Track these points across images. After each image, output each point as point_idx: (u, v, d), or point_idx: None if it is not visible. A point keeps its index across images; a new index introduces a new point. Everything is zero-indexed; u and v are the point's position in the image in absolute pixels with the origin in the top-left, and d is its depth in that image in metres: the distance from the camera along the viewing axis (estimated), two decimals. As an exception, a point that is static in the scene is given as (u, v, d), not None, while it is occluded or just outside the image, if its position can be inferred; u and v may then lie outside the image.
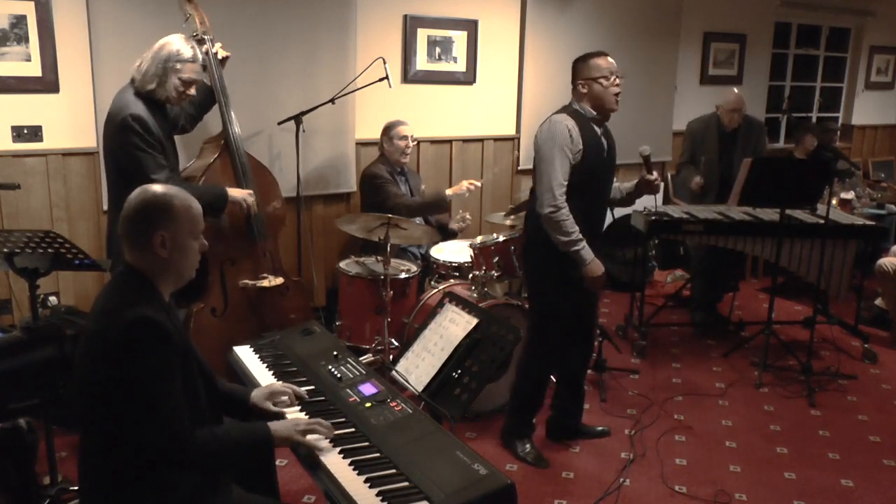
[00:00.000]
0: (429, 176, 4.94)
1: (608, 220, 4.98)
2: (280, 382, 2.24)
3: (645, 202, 4.73)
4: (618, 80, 3.03)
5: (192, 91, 3.15)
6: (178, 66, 3.03)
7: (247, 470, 2.14)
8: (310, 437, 1.90)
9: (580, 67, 3.07)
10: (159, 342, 1.74)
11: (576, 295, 3.12)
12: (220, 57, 3.47)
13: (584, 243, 3.01)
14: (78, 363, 1.85)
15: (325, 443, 1.91)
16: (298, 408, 2.13)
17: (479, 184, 4.36)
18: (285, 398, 2.14)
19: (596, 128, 3.06)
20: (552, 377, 3.46)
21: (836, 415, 3.80)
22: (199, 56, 3.14)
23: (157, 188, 1.88)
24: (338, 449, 1.88)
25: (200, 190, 3.22)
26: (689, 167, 4.96)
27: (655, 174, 3.15)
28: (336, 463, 1.82)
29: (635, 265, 4.85)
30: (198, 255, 1.93)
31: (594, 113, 3.05)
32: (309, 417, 2.03)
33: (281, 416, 2.08)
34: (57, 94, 3.68)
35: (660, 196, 5.94)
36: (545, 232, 3.03)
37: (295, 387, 2.18)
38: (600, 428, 3.50)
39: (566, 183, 2.98)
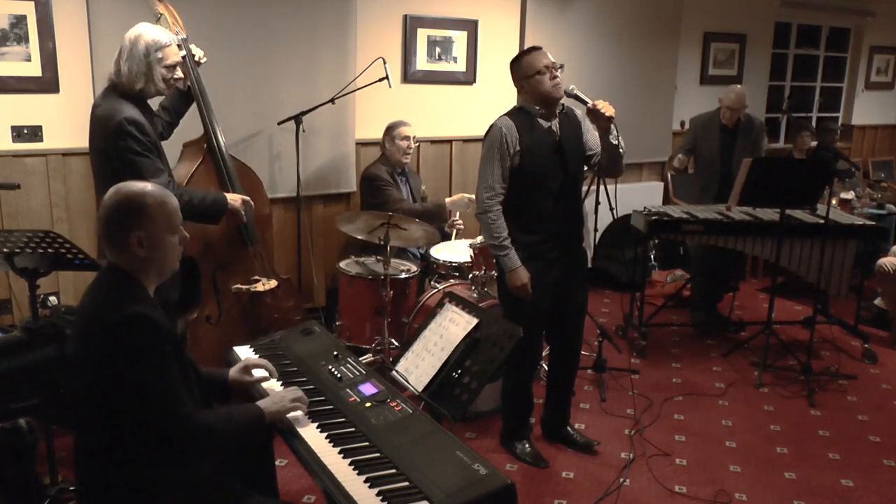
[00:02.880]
0: (428, 176, 4.94)
1: (608, 219, 5.07)
2: (255, 356, 2.33)
3: (644, 202, 4.75)
4: (555, 73, 2.96)
5: (179, 73, 3.03)
6: (160, 54, 2.91)
7: (247, 468, 2.15)
8: (295, 403, 2.03)
9: (515, 69, 3.05)
10: (154, 335, 1.76)
11: (535, 301, 3.07)
12: (196, 59, 3.37)
13: (509, 250, 3.01)
14: (73, 364, 1.86)
15: (302, 415, 2.04)
16: (280, 383, 2.26)
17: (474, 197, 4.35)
18: (261, 369, 2.21)
19: (544, 122, 3.03)
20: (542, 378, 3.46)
21: (836, 415, 3.80)
22: (174, 36, 3.04)
23: (131, 187, 1.87)
24: (338, 449, 1.88)
25: (201, 194, 3.13)
26: (682, 153, 5.00)
27: (592, 101, 2.89)
28: (336, 463, 1.82)
29: (635, 265, 4.84)
30: (178, 248, 1.94)
31: (537, 108, 3.02)
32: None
33: (259, 384, 2.22)
34: (57, 94, 3.68)
35: (660, 196, 5.99)
36: None
37: (265, 361, 2.27)
38: (583, 441, 3.36)
39: (498, 186, 3.00)
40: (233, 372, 2.21)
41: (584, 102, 2.94)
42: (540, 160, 3.00)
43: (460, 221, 4.47)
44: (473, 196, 4.24)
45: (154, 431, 1.76)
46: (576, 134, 3.10)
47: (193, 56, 3.36)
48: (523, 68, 3.01)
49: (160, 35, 2.94)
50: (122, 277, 1.85)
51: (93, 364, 1.76)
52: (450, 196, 4.53)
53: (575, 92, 2.99)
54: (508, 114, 3.07)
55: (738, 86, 4.84)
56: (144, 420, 1.75)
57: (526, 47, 3.11)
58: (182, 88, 3.35)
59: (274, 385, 2.25)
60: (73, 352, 1.87)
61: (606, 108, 2.87)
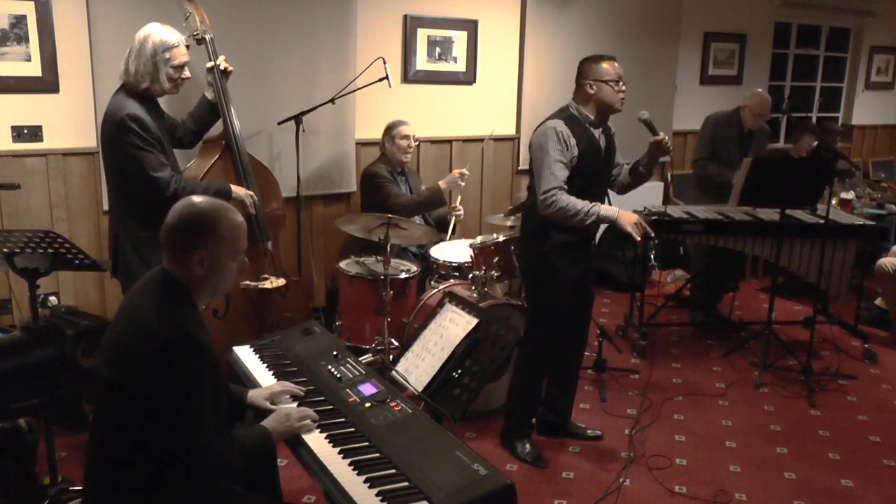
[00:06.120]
0: (428, 176, 4.94)
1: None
2: (279, 383, 2.24)
3: (644, 202, 4.75)
4: (623, 86, 3.05)
5: (187, 73, 3.09)
6: (167, 55, 2.99)
7: (250, 470, 2.14)
8: (303, 423, 1.97)
9: (591, 68, 3.05)
10: (196, 359, 1.74)
11: (570, 293, 3.13)
12: (222, 68, 3.43)
13: (597, 207, 2.97)
14: (106, 365, 1.82)
15: (315, 430, 1.98)
16: (296, 405, 2.15)
17: (467, 172, 4.30)
18: (286, 398, 2.15)
19: (593, 130, 3.07)
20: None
21: (836, 415, 3.80)
22: (183, 37, 3.08)
23: (205, 204, 1.86)
24: (338, 449, 1.88)
25: (204, 185, 3.23)
26: (714, 163, 4.78)
27: (662, 134, 3.09)
28: (336, 463, 1.82)
29: (635, 265, 4.84)
30: (235, 273, 1.92)
31: (592, 116, 3.05)
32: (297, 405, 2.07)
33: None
34: (57, 94, 3.68)
35: (660, 196, 5.99)
36: (538, 231, 3.07)
37: (292, 385, 2.19)
38: (591, 432, 3.44)
39: (562, 185, 2.96)
40: (255, 396, 2.13)
41: (655, 133, 3.10)
42: (590, 166, 3.06)
43: (460, 209, 4.46)
44: (465, 170, 4.26)
45: (170, 450, 1.74)
46: (612, 144, 3.20)
47: (219, 66, 3.42)
48: (600, 71, 3.01)
49: (168, 36, 3.02)
50: (176, 288, 1.84)
51: (129, 371, 1.74)
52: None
53: (648, 119, 3.14)
54: (560, 118, 3.04)
55: (762, 91, 4.83)
56: (164, 438, 1.73)
57: (601, 54, 3.14)
58: (211, 99, 3.42)
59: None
60: (107, 352, 1.83)
61: (668, 147, 3.07)
